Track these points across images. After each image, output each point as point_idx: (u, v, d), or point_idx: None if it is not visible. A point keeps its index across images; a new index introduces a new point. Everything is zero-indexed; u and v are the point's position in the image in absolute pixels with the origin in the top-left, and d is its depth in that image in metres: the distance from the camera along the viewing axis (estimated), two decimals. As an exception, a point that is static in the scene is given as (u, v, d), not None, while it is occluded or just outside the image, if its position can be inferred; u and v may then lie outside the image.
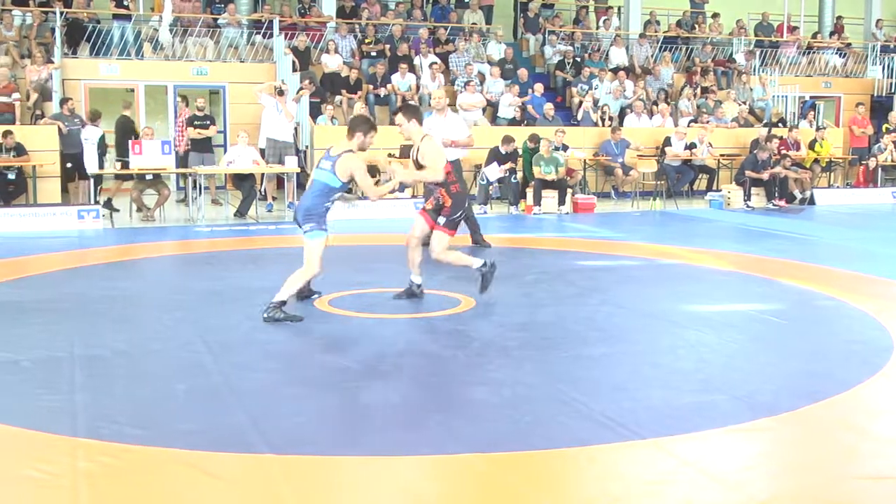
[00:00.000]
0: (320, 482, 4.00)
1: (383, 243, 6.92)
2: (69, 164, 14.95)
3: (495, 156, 15.51)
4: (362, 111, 16.48)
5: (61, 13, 17.40)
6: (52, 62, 16.51)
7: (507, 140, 15.45)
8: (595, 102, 18.87)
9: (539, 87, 18.85)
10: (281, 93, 15.19)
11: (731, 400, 5.08)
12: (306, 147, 16.46)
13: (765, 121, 20.17)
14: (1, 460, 4.18)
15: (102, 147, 15.12)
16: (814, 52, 23.66)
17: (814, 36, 24.59)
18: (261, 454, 4.21)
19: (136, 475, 4.01)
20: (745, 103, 20.56)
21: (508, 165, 15.37)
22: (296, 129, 16.00)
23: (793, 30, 24.05)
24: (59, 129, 14.85)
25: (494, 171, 15.30)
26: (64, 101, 15.42)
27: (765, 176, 16.43)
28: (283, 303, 6.93)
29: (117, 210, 14.50)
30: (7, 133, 14.02)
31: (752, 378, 5.56)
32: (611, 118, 18.74)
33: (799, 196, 17.27)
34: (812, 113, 21.04)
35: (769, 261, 10.14)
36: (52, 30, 17.48)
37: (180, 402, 5.08)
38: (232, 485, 3.93)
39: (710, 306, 7.91)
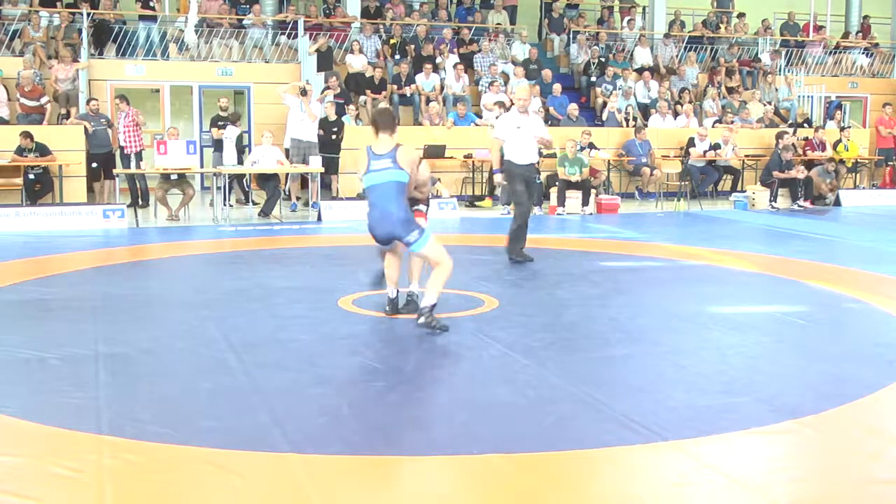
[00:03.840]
0: (343, 481, 4.01)
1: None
2: (94, 164, 15.09)
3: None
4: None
5: (88, 14, 17.54)
6: (77, 62, 16.64)
7: None
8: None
9: (557, 88, 18.80)
10: (304, 93, 15.23)
11: (755, 402, 5.05)
12: (330, 147, 16.51)
13: (790, 121, 20.06)
14: (27, 457, 4.22)
15: (240, 145, 15.48)
16: (840, 52, 23.49)
17: (844, 36, 24.39)
18: (284, 453, 4.23)
19: (159, 473, 4.03)
20: (770, 104, 20.45)
21: None
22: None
23: (819, 29, 23.89)
24: (86, 129, 14.98)
25: None
26: (88, 101, 15.57)
27: (799, 175, 16.33)
28: (434, 306, 6.71)
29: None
30: (26, 134, 14.13)
31: (775, 380, 5.53)
32: (635, 119, 18.69)
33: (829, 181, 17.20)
34: (839, 113, 20.89)
35: (794, 262, 10.09)
36: (79, 31, 17.64)
37: (204, 400, 5.10)
38: (255, 483, 3.95)
39: (734, 308, 7.87)
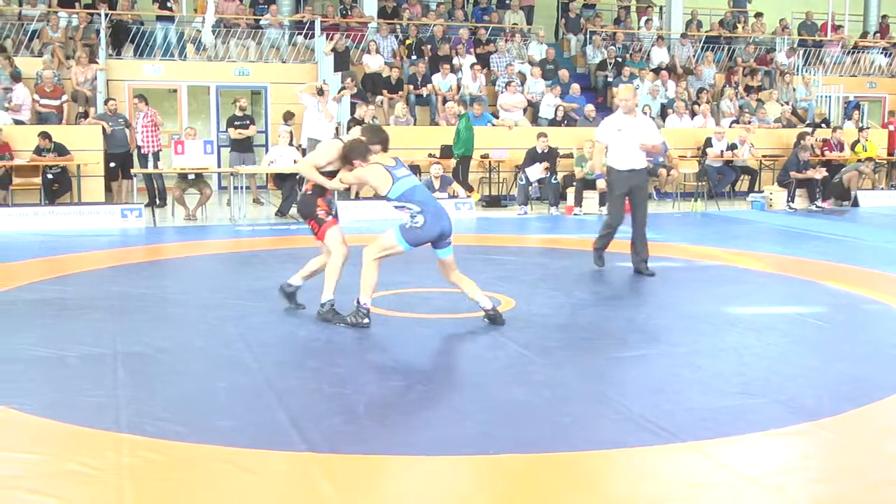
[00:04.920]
0: (359, 481, 4.01)
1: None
2: (112, 164, 15.16)
3: (533, 156, 15.54)
4: (404, 111, 16.57)
5: (106, 15, 17.63)
6: (96, 62, 16.73)
7: (541, 136, 15.53)
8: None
9: (576, 88, 18.80)
10: (321, 92, 15.25)
11: (772, 403, 5.04)
12: (347, 147, 16.52)
13: (808, 121, 19.96)
14: (46, 455, 4.24)
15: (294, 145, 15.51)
16: (858, 52, 23.37)
17: (862, 36, 24.26)
18: (300, 452, 4.24)
19: (177, 471, 4.06)
20: (787, 103, 20.36)
21: (545, 166, 15.39)
22: (336, 128, 16.08)
23: (837, 29, 23.79)
24: (104, 129, 15.06)
25: (536, 172, 15.32)
26: (106, 101, 15.65)
27: (817, 175, 16.27)
28: (493, 307, 6.87)
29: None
30: (44, 135, 14.21)
31: (793, 382, 5.51)
32: (652, 118, 18.62)
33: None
34: (857, 113, 20.79)
35: (811, 263, 10.04)
36: (97, 31, 17.72)
37: (221, 399, 5.12)
38: (271, 482, 3.96)
39: (751, 308, 7.84)
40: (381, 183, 6.66)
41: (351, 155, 6.81)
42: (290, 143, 14.92)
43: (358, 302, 6.80)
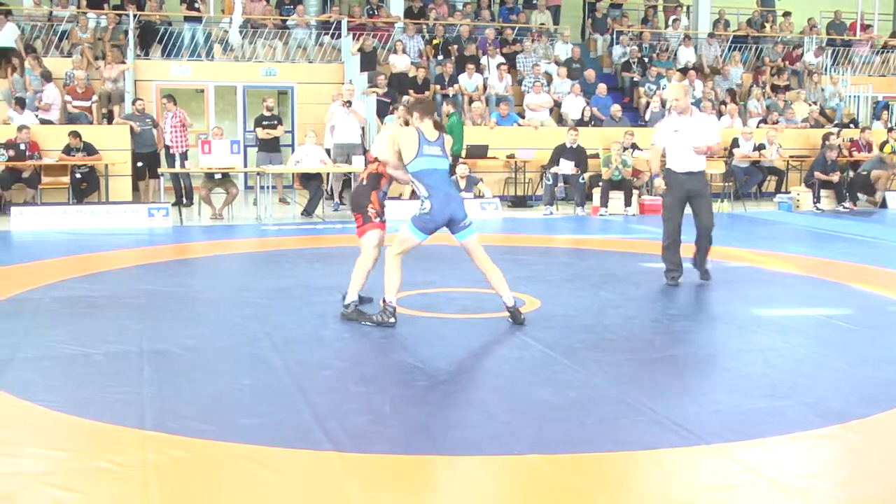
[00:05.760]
0: (384, 480, 4.02)
1: (445, 243, 6.92)
2: (140, 164, 15.26)
3: (560, 151, 15.55)
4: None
5: (134, 16, 17.75)
6: (124, 63, 16.85)
7: (571, 130, 15.57)
8: (663, 103, 18.69)
9: (602, 88, 18.75)
10: (349, 103, 15.19)
11: (799, 406, 5.00)
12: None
13: (836, 121, 19.81)
14: (73, 451, 4.27)
15: None
16: (888, 52, 23.15)
17: (892, 35, 24.02)
18: (325, 451, 4.25)
19: (202, 469, 4.08)
20: (815, 103, 20.20)
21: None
22: (363, 128, 16.11)
23: (866, 28, 23.58)
24: (132, 129, 15.16)
25: (567, 166, 15.33)
26: (134, 101, 15.77)
27: (834, 178, 16.14)
28: (515, 305, 6.91)
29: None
30: (74, 134, 14.34)
31: (820, 384, 5.48)
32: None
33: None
34: (885, 114, 20.59)
35: (839, 264, 9.97)
36: (126, 32, 17.85)
37: (246, 397, 5.14)
38: (296, 481, 3.97)
39: (777, 310, 7.79)
40: (408, 149, 6.70)
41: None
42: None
43: (384, 301, 6.81)
